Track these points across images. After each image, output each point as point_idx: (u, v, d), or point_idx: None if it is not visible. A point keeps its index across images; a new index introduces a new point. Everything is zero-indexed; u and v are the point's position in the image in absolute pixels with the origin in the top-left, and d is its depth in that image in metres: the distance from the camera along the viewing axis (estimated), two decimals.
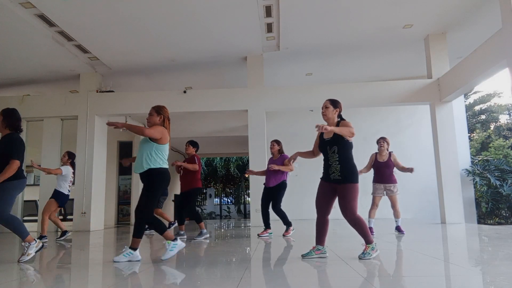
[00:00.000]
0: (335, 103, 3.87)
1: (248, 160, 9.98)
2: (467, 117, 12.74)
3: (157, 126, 3.93)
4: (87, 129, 9.45)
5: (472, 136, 19.66)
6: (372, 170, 6.30)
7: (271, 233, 6.37)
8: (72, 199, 9.69)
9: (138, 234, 3.86)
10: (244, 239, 6.44)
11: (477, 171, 10.79)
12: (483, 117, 20.82)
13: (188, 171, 6.31)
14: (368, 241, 3.71)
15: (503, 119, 21.85)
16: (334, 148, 3.72)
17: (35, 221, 9.65)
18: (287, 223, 6.35)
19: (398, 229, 6.25)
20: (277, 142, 6.47)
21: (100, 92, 9.70)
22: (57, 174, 6.61)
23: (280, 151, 6.44)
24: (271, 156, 6.56)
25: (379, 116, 11.30)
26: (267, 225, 6.40)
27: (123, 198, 12.73)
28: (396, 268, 3.44)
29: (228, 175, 24.20)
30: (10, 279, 3.26)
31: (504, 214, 12.34)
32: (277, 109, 9.80)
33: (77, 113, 9.53)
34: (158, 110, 4.01)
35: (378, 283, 2.68)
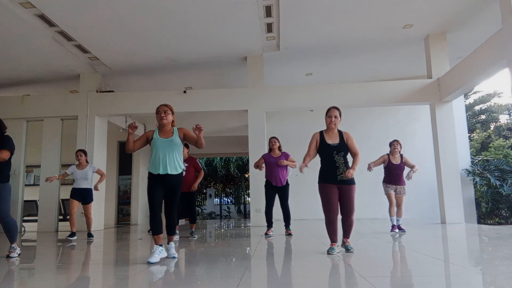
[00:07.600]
0: (341, 113, 4.19)
1: (248, 160, 9.98)
2: (467, 117, 12.73)
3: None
4: (87, 129, 9.44)
5: (472, 136, 19.64)
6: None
7: (273, 232, 6.47)
8: None
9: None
10: (244, 239, 6.44)
11: (477, 171, 10.78)
12: (483, 117, 20.82)
13: (191, 173, 6.32)
14: (349, 237, 4.14)
15: (503, 119, 21.86)
16: (341, 153, 4.04)
17: (35, 221, 9.65)
18: (288, 223, 6.39)
19: (399, 227, 6.46)
20: (277, 139, 6.51)
21: (100, 92, 9.69)
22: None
23: (280, 148, 6.45)
24: (267, 153, 6.51)
25: (379, 116, 11.30)
26: (271, 224, 6.47)
27: (123, 198, 12.70)
28: (396, 268, 3.44)
29: (228, 175, 24.16)
30: (10, 278, 3.26)
31: (504, 214, 12.34)
32: (277, 109, 9.79)
33: (77, 113, 9.53)
34: None
35: (378, 283, 2.67)
